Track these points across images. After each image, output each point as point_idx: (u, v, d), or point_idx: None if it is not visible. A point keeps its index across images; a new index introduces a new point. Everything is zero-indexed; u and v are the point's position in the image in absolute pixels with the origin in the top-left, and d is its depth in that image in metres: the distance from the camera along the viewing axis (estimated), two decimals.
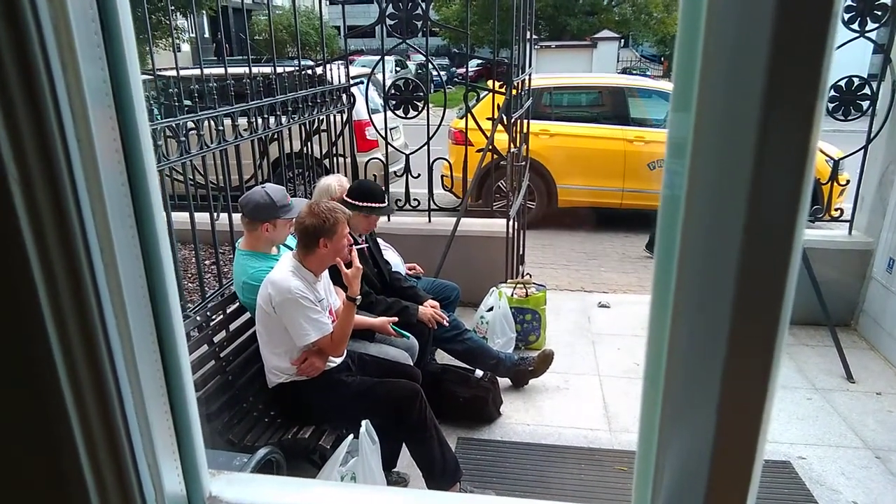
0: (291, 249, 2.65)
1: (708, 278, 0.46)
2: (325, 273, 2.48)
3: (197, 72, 2.97)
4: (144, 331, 0.62)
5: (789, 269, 0.44)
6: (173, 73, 2.87)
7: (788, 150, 0.42)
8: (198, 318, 2.45)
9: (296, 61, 3.89)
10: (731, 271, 0.45)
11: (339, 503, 0.71)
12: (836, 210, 4.06)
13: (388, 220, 3.41)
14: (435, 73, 4.30)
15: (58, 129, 0.50)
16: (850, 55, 3.48)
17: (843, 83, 3.54)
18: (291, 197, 2.71)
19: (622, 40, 18.18)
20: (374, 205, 2.91)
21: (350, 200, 2.87)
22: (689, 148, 0.45)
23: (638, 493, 0.58)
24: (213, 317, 2.56)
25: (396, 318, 2.78)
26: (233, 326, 2.64)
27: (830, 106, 3.56)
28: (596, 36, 17.13)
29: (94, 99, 0.53)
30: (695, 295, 0.48)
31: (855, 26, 3.33)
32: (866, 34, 3.34)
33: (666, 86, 7.57)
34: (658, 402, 0.53)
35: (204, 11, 14.14)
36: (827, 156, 3.93)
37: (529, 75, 4.25)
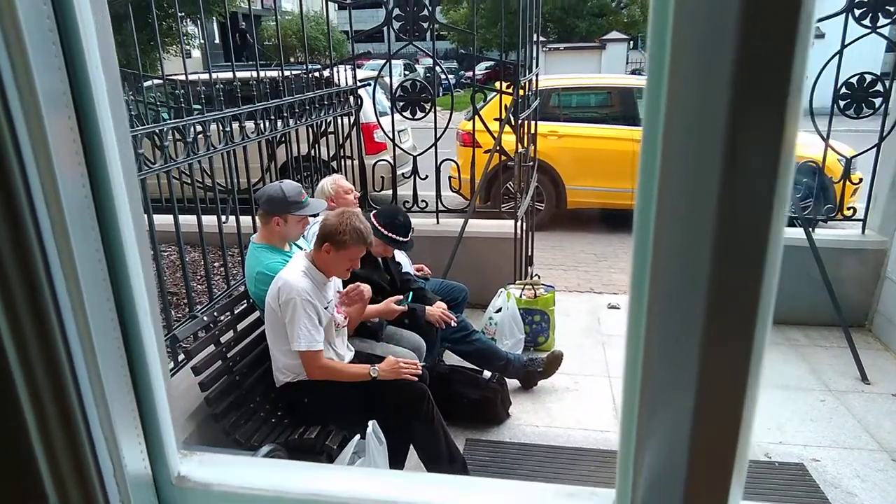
0: (302, 249, 2.66)
1: (682, 270, 0.46)
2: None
3: (206, 76, 3.00)
4: (98, 294, 0.61)
5: (765, 260, 0.44)
6: (183, 77, 2.89)
7: (759, 140, 0.42)
8: (205, 318, 2.46)
9: (304, 65, 3.91)
10: (705, 263, 0.45)
11: (314, 484, 0.71)
12: (848, 209, 4.01)
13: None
14: (443, 76, 4.30)
15: (10, 136, 0.50)
16: (862, 51, 3.46)
17: (854, 80, 3.49)
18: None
19: (631, 42, 18.11)
20: (392, 236, 2.90)
21: (374, 222, 2.87)
22: (660, 135, 0.45)
23: (620, 482, 0.59)
24: (221, 317, 2.57)
25: (400, 297, 2.77)
26: (240, 327, 2.64)
27: (842, 103, 3.52)
28: (605, 38, 17.07)
29: (49, 106, 0.53)
30: (670, 287, 0.48)
31: (867, 22, 3.29)
32: (878, 30, 3.30)
33: None
34: (636, 393, 0.53)
35: (213, 17, 14.28)
36: (839, 154, 3.87)
37: (536, 75, 4.24)
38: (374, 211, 3.02)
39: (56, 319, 0.55)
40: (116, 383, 0.64)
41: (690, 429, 0.49)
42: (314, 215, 2.74)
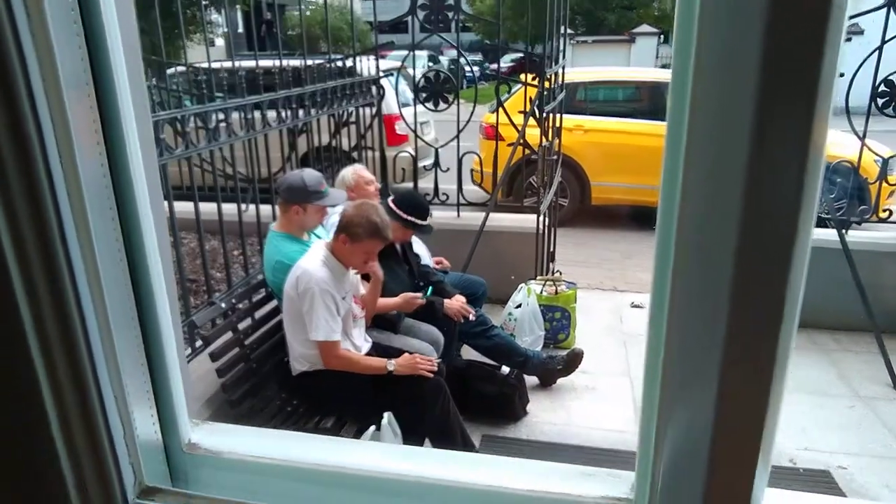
0: (321, 239, 2.65)
1: (706, 267, 0.46)
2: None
3: (228, 64, 3.00)
4: (114, 266, 0.63)
5: (792, 261, 0.43)
6: (206, 65, 2.90)
7: (786, 138, 0.40)
8: (223, 305, 2.46)
9: (326, 55, 3.89)
10: (728, 264, 0.44)
11: (322, 454, 0.71)
12: (884, 211, 3.87)
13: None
14: (467, 67, 4.25)
15: (31, 114, 0.51)
16: None
17: (894, 77, 3.35)
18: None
19: (662, 36, 17.78)
20: (411, 219, 2.87)
21: (392, 206, 2.84)
22: (685, 132, 0.44)
23: (640, 466, 0.59)
24: (239, 305, 2.58)
25: (418, 295, 2.75)
26: (258, 315, 2.65)
27: (880, 102, 3.38)
28: (634, 31, 16.80)
29: (71, 88, 0.55)
30: (693, 282, 0.47)
31: None
32: None
33: None
34: (657, 381, 0.53)
35: (238, 6, 14.38)
36: (876, 154, 3.74)
37: (563, 68, 4.16)
38: (391, 196, 2.99)
39: (71, 288, 0.57)
40: (129, 352, 0.66)
41: (713, 420, 0.49)
42: (333, 205, 2.72)
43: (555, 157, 4.12)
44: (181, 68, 3.46)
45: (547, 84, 3.67)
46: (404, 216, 2.85)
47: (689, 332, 0.48)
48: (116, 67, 0.59)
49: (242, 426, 0.81)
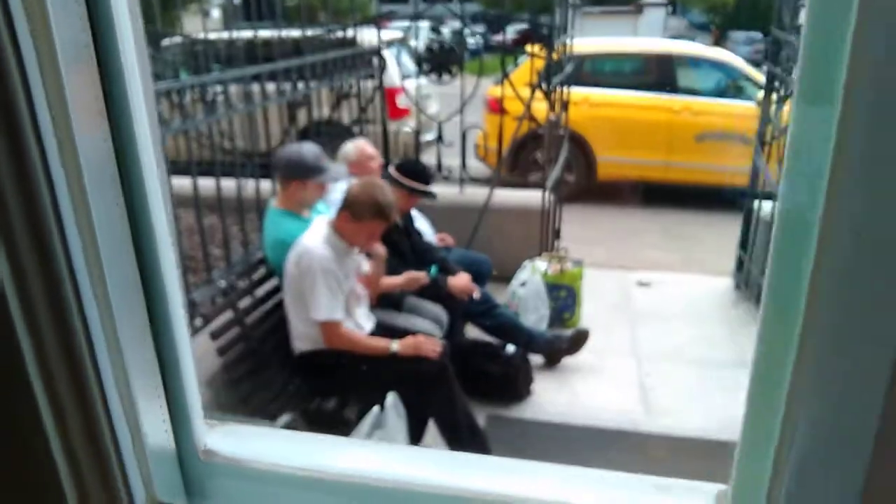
0: (320, 214, 2.58)
1: (853, 323, 0.39)
2: None
3: (226, 35, 2.90)
4: (119, 250, 0.55)
5: None
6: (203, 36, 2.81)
7: None
8: (222, 283, 2.41)
9: (325, 26, 3.78)
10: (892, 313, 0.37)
11: (359, 464, 0.63)
12: None
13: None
14: (471, 38, 4.12)
15: (22, 88, 0.45)
16: None
17: None
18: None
19: (670, 6, 17.42)
20: (415, 185, 2.81)
21: (395, 174, 2.78)
22: (830, 151, 0.36)
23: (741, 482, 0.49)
24: (239, 283, 2.52)
25: (422, 274, 2.70)
26: (258, 293, 2.60)
27: None
28: (642, 1, 16.45)
29: (69, 58, 0.48)
30: (835, 353, 0.40)
31: None
32: None
33: (718, 53, 7.17)
34: (786, 371, 0.43)
35: None
36: None
37: (571, 38, 4.03)
38: (392, 165, 2.93)
39: (67, 270, 0.49)
40: (136, 342, 0.57)
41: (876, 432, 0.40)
42: (334, 181, 2.65)
43: (561, 131, 4.01)
44: (177, 39, 3.35)
45: (555, 56, 3.55)
46: (407, 182, 2.79)
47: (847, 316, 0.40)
48: (122, 34, 0.52)
49: (264, 426, 0.73)
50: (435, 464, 0.65)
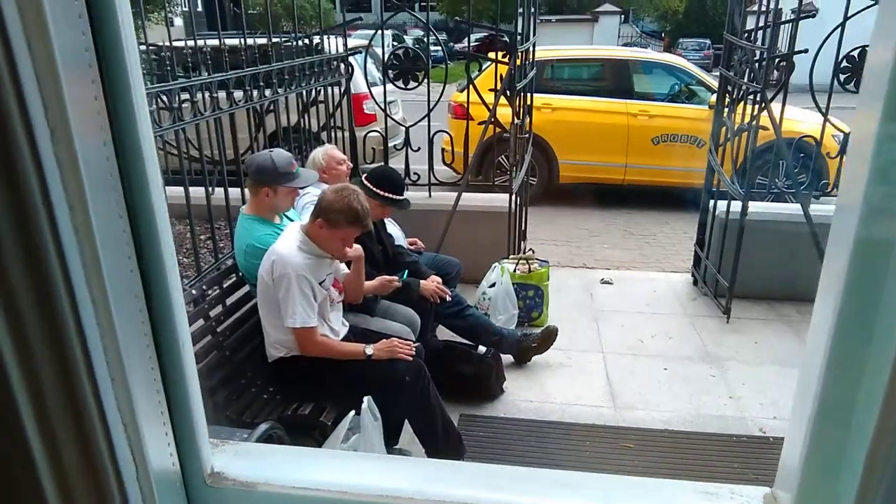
0: (292, 221, 2.58)
1: None
2: None
3: (192, 42, 2.88)
4: (120, 263, 0.52)
5: None
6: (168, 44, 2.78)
7: None
8: (193, 291, 2.39)
9: (291, 34, 3.77)
10: None
11: (360, 478, 0.62)
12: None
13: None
14: (435, 45, 4.18)
15: (16, 98, 0.42)
16: (867, 25, 3.40)
17: (856, 53, 3.43)
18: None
19: (623, 15, 17.89)
20: (386, 194, 2.81)
21: (367, 184, 2.79)
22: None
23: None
24: (209, 291, 2.50)
25: (395, 278, 2.72)
26: (230, 301, 2.58)
27: (842, 77, 3.47)
28: (597, 10, 16.85)
29: (68, 65, 0.45)
30: None
31: None
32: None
33: (671, 59, 7.42)
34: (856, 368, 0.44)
35: None
36: (838, 129, 3.85)
37: (534, 44, 4.14)
38: (364, 174, 2.94)
39: (64, 286, 0.45)
40: (139, 362, 0.54)
41: None
42: (304, 187, 2.66)
43: (526, 135, 4.10)
44: (141, 47, 3.30)
45: (518, 62, 3.64)
46: (381, 193, 2.80)
47: None
48: (127, 39, 0.51)
49: (270, 445, 0.69)
50: (470, 478, 0.63)
